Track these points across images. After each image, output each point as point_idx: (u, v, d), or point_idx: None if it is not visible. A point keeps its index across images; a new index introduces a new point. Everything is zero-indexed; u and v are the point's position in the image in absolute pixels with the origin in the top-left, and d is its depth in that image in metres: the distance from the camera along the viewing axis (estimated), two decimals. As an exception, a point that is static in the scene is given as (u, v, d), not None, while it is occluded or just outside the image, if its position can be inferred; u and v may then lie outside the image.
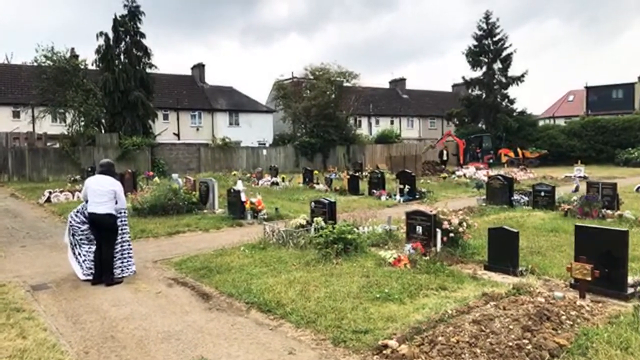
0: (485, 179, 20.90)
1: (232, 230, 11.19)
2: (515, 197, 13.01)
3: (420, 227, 7.58)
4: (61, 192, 17.77)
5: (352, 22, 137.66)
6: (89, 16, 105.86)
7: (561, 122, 50.66)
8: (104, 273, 7.01)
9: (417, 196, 15.77)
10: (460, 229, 7.73)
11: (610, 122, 36.51)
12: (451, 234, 7.70)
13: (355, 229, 8.62)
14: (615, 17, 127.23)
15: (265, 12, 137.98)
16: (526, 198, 12.95)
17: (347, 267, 7.15)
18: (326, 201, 9.49)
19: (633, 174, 25.30)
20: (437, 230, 7.51)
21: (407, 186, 15.52)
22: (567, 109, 60.10)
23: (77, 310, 5.92)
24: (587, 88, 57.38)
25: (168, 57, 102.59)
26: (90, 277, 7.07)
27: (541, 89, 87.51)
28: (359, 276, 6.66)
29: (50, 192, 17.46)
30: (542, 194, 12.27)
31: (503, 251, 6.71)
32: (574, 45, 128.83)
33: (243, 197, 12.05)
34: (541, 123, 44.03)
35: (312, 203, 9.79)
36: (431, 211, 7.85)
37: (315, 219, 9.28)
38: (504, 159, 34.30)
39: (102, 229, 7.04)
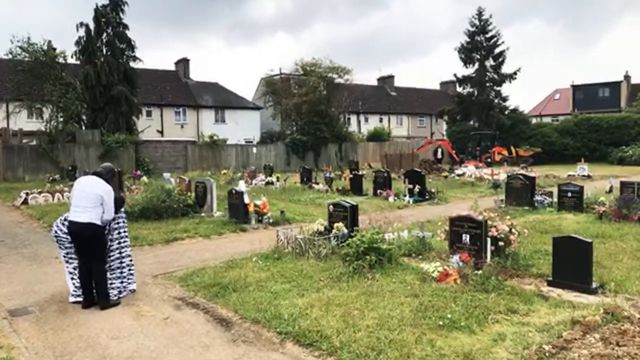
0: (489, 177, 20.17)
1: (236, 237, 10.06)
2: (537, 197, 12.14)
3: (468, 236, 6.58)
4: (39, 193, 16.32)
5: (339, 21, 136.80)
6: (68, 11, 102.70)
7: (548, 120, 50.59)
8: (97, 294, 5.83)
9: (427, 197, 14.82)
10: (511, 237, 6.77)
11: (603, 120, 36.24)
12: (500, 243, 6.74)
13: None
14: (598, 18, 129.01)
15: (253, 10, 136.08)
16: (549, 199, 12.10)
17: (386, 283, 6.11)
18: (347, 204, 8.42)
19: (633, 172, 24.84)
20: (487, 238, 6.52)
21: (417, 186, 14.54)
22: (553, 107, 60.13)
23: (68, 344, 4.76)
24: (574, 87, 57.52)
25: (153, 54, 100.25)
26: (80, 299, 5.89)
27: (527, 87, 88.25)
28: (405, 295, 5.63)
29: (27, 193, 16.02)
30: (569, 194, 11.42)
31: (572, 264, 5.75)
32: (559, 46, 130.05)
33: (246, 199, 10.91)
34: (533, 121, 43.65)
35: (331, 206, 8.72)
36: (477, 216, 6.85)
37: (335, 224, 8.23)
38: (497, 158, 33.72)
39: (85, 243, 5.75)
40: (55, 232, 6.02)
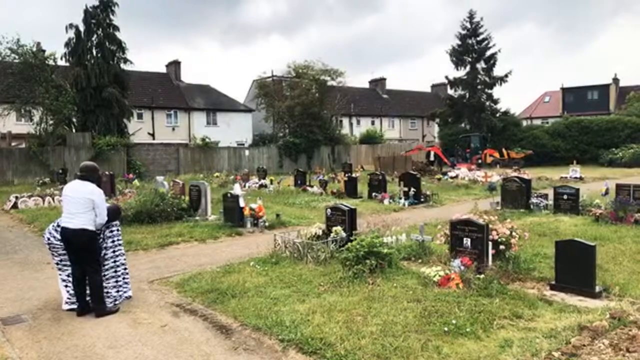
0: (482, 180, 20.21)
1: (232, 241, 9.93)
2: (533, 200, 12.14)
3: (469, 239, 6.52)
4: (29, 196, 16.07)
5: (334, 23, 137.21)
6: (58, 12, 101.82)
7: (538, 122, 50.99)
8: (92, 302, 5.68)
9: (422, 200, 14.78)
10: (512, 240, 6.72)
11: (594, 122, 36.50)
12: (501, 246, 6.68)
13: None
14: (591, 21, 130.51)
15: (247, 12, 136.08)
16: (545, 201, 12.10)
17: (388, 288, 6.03)
18: (345, 208, 8.34)
19: (624, 174, 25.01)
20: (489, 242, 6.47)
21: (412, 189, 14.50)
22: (543, 110, 60.63)
23: (64, 355, 4.61)
24: (563, 89, 58.10)
25: (147, 56, 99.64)
26: (74, 306, 5.73)
27: (517, 90, 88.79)
28: (408, 301, 5.54)
29: (16, 197, 15.75)
30: (565, 197, 11.43)
31: (575, 268, 5.71)
32: (550, 48, 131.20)
33: (242, 203, 10.79)
34: (524, 124, 43.91)
35: (328, 210, 8.62)
36: (478, 219, 6.79)
37: (334, 228, 8.14)
38: (488, 160, 33.85)
39: (78, 249, 5.60)
40: (48, 239, 5.85)
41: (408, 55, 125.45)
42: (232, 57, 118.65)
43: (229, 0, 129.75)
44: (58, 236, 5.75)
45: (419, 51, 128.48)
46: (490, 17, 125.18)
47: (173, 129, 39.31)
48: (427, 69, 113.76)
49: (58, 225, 5.81)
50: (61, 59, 27.44)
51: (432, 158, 32.13)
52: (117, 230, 6.10)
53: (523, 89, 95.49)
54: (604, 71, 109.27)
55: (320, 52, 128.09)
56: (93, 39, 27.77)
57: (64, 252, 5.78)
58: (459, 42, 39.15)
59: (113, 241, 5.99)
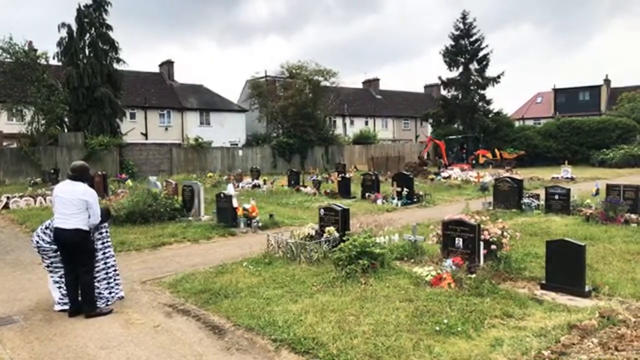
0: (475, 180, 20.33)
1: (225, 241, 9.92)
2: (525, 200, 12.23)
3: (461, 240, 6.57)
4: (21, 197, 15.96)
5: (332, 24, 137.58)
6: (50, 11, 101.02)
7: (530, 123, 51.29)
8: (83, 301, 5.66)
9: (415, 200, 14.84)
10: (504, 240, 6.77)
11: (585, 123, 36.78)
12: (492, 246, 6.74)
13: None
14: (585, 23, 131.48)
15: (246, 12, 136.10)
16: (536, 201, 12.20)
17: (380, 287, 6.06)
18: (338, 208, 8.36)
19: (615, 174, 25.26)
20: (481, 242, 6.52)
21: (405, 189, 14.56)
22: (535, 111, 61.00)
23: (56, 355, 4.60)
24: (555, 90, 58.51)
25: (144, 56, 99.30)
26: (66, 307, 5.71)
27: (510, 91, 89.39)
28: (400, 300, 5.58)
29: (8, 197, 15.65)
30: (556, 197, 11.53)
31: (565, 268, 5.77)
32: (546, 50, 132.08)
33: (235, 203, 10.78)
34: (516, 124, 44.16)
35: (322, 210, 8.64)
36: (470, 219, 6.84)
37: (327, 228, 8.16)
38: (481, 160, 34.04)
39: (72, 250, 5.59)
40: (37, 242, 5.77)
41: (406, 55, 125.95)
42: (229, 57, 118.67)
43: (228, 0, 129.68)
44: (47, 239, 5.71)
45: (417, 52, 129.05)
46: (487, 18, 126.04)
47: (166, 129, 39.14)
48: (425, 69, 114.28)
49: (46, 228, 5.76)
50: (53, 58, 27.33)
51: (425, 157, 32.23)
52: (106, 232, 6.10)
53: (520, 90, 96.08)
54: (598, 72, 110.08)
55: (318, 52, 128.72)
56: (86, 38, 27.65)
57: (55, 254, 5.75)
58: (452, 43, 39.30)
59: (103, 243, 5.99)
